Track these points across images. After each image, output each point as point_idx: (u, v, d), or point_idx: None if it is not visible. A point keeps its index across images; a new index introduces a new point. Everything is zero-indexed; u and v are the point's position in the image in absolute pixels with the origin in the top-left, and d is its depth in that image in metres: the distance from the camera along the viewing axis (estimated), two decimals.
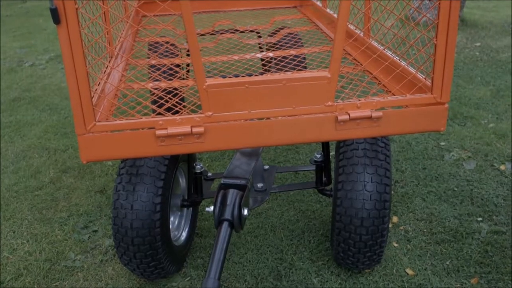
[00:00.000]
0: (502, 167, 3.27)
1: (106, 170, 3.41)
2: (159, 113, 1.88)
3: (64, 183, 3.30)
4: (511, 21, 6.64)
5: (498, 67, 5.04)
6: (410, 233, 2.70)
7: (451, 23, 1.79)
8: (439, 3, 1.76)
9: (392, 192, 3.03)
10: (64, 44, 1.65)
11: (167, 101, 1.99)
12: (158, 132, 1.79)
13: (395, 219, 2.80)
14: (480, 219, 2.78)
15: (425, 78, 2.02)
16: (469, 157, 3.40)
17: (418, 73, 2.07)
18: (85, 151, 1.82)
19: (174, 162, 2.23)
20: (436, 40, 1.82)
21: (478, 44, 5.82)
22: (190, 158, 2.48)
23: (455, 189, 3.06)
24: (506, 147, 3.51)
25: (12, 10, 8.86)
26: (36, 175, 3.42)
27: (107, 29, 2.25)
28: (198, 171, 2.42)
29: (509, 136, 3.65)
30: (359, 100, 1.90)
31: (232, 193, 2.08)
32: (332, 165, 2.90)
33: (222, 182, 2.17)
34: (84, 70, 1.69)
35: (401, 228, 2.74)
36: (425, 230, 2.71)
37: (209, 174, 2.69)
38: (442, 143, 3.59)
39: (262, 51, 3.34)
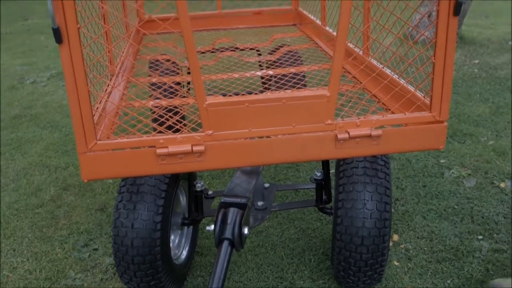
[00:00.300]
0: (502, 185, 3.27)
1: (107, 188, 3.41)
2: (160, 131, 1.89)
3: (65, 201, 3.30)
4: (511, 38, 6.68)
5: (497, 84, 5.06)
6: (411, 251, 2.69)
7: (449, 41, 1.81)
8: (437, 22, 1.78)
9: (393, 210, 3.02)
10: (66, 63, 1.67)
11: (168, 119, 2.00)
12: (159, 150, 1.80)
13: (395, 237, 2.80)
14: (480, 237, 2.77)
15: (424, 97, 2.04)
16: (469, 174, 3.41)
17: (417, 91, 2.09)
18: (86, 169, 1.83)
19: (175, 180, 2.24)
20: (434, 59, 1.84)
21: (476, 61, 5.85)
22: (190, 176, 2.48)
23: (456, 207, 3.05)
24: (506, 164, 3.51)
25: (14, 28, 8.92)
26: (37, 193, 3.42)
27: (108, 48, 2.27)
28: (199, 189, 2.42)
29: (508, 153, 3.66)
30: (359, 119, 1.92)
31: (232, 212, 2.08)
32: (332, 183, 2.90)
33: (222, 200, 2.18)
34: (86, 89, 1.71)
35: (402, 246, 2.73)
36: (425, 249, 2.70)
37: (210, 192, 2.69)
38: (442, 161, 3.59)
39: (262, 69, 3.37)
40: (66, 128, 4.45)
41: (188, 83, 3.17)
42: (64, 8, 1.58)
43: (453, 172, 3.43)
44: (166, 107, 2.36)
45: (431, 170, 3.48)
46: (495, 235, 2.79)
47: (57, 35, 1.61)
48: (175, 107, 2.50)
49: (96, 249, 2.81)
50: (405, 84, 2.16)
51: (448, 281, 2.47)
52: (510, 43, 6.52)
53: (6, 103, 5.17)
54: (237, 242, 2.05)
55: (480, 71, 5.48)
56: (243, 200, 2.16)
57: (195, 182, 2.44)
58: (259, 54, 3.54)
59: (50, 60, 6.72)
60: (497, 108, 4.47)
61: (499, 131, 4.03)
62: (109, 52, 2.45)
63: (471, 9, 7.12)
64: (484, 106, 4.52)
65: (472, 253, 2.65)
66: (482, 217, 2.94)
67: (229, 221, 2.05)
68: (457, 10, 1.76)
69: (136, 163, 1.83)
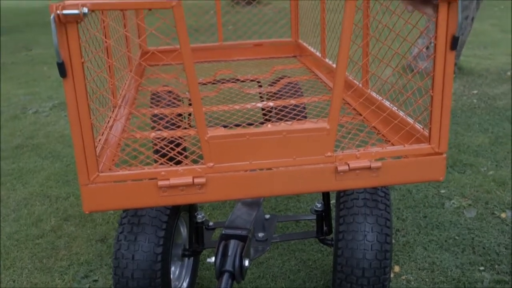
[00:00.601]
0: (503, 215, 3.27)
1: (107, 218, 3.41)
2: (162, 163, 1.90)
3: (65, 232, 3.30)
4: (511, 68, 6.75)
5: (496, 114, 5.10)
6: (412, 283, 2.68)
7: (447, 75, 1.84)
8: (434, 56, 1.82)
9: (393, 241, 3.02)
10: (70, 97, 1.69)
11: (169, 151, 2.02)
12: (161, 183, 1.81)
13: (396, 268, 2.79)
14: (482, 268, 2.77)
15: (423, 129, 2.06)
16: (470, 205, 3.41)
17: (416, 123, 2.11)
18: (88, 201, 1.84)
19: (176, 211, 2.25)
20: (432, 92, 1.86)
21: (475, 91, 5.90)
22: (191, 208, 2.49)
23: (457, 237, 3.05)
24: (506, 194, 3.52)
25: (18, 58, 9.01)
26: (37, 223, 3.42)
27: (111, 82, 2.30)
28: (200, 220, 2.43)
29: (509, 183, 3.66)
30: (358, 151, 1.93)
31: (233, 244, 2.09)
32: (333, 214, 2.90)
33: (223, 232, 2.18)
34: (89, 122, 1.73)
35: (403, 277, 2.72)
36: (427, 280, 2.69)
37: (211, 223, 2.70)
38: (442, 191, 3.60)
39: (263, 101, 3.40)
40: (67, 158, 4.47)
41: (190, 114, 3.20)
42: (69, 43, 1.61)
43: (453, 203, 3.43)
44: (167, 139, 2.39)
45: (431, 200, 3.49)
46: (496, 266, 2.78)
47: (62, 69, 1.64)
48: (177, 138, 2.52)
49: (96, 281, 2.79)
50: (404, 116, 2.19)
51: None
52: (508, 73, 6.58)
53: (8, 133, 5.20)
54: (238, 274, 2.05)
55: (479, 102, 5.52)
56: (244, 232, 2.16)
57: (196, 214, 2.45)
58: (260, 86, 3.58)
59: (53, 90, 6.78)
60: (496, 138, 4.50)
61: (499, 161, 4.04)
62: (111, 85, 2.49)
63: (469, 40, 7.21)
64: (484, 136, 4.55)
65: (473, 284, 2.64)
66: (484, 248, 2.94)
67: (229, 253, 2.06)
68: (454, 44, 1.79)
69: (138, 195, 1.84)
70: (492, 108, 5.30)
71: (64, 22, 1.56)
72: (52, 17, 1.52)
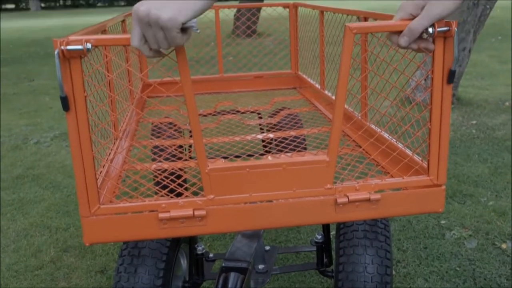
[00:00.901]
0: (504, 246, 3.26)
1: (107, 250, 3.40)
2: (162, 195, 1.91)
3: (65, 263, 3.28)
4: (510, 98, 6.80)
5: (495, 145, 5.12)
6: None
7: (444, 108, 1.86)
8: (431, 90, 1.84)
9: (394, 272, 3.01)
10: (72, 130, 1.71)
11: (169, 183, 2.04)
12: (161, 215, 1.82)
13: None
14: None
15: (421, 160, 2.07)
16: (470, 235, 3.40)
17: (415, 155, 2.13)
18: (89, 233, 1.84)
19: (176, 243, 2.25)
20: (430, 125, 1.89)
21: (474, 122, 5.94)
22: (191, 240, 2.49)
23: (457, 268, 3.04)
24: (506, 225, 3.52)
25: (20, 88, 9.09)
26: (37, 254, 3.41)
27: (113, 115, 2.33)
28: (200, 252, 2.43)
29: (509, 214, 3.67)
30: (358, 183, 1.95)
31: (233, 277, 2.08)
32: (333, 245, 2.90)
33: (223, 265, 2.18)
34: (91, 155, 1.75)
35: None
36: None
37: (211, 255, 2.69)
38: (443, 222, 3.60)
39: (263, 132, 3.43)
40: (68, 189, 4.48)
41: (190, 146, 3.22)
42: (72, 78, 1.64)
43: (454, 233, 3.43)
44: (168, 170, 2.40)
45: (432, 231, 3.48)
46: None
47: (65, 103, 1.66)
48: (177, 170, 2.54)
49: None
50: (403, 148, 2.21)
51: None
52: (507, 103, 6.63)
53: (9, 163, 5.22)
54: None
55: (478, 132, 5.56)
56: (244, 265, 2.16)
57: (196, 246, 2.45)
58: (260, 117, 3.61)
59: (54, 120, 6.83)
60: (496, 169, 4.51)
61: (499, 192, 4.05)
62: (113, 118, 2.52)
63: (467, 71, 7.29)
64: (483, 167, 4.56)
65: None
66: (485, 279, 2.92)
67: (230, 286, 2.05)
68: (451, 78, 1.82)
69: (138, 227, 1.84)
70: (491, 138, 5.33)
71: (68, 57, 1.59)
72: (56, 52, 1.55)
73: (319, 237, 2.51)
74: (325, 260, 2.55)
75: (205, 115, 3.53)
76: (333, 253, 2.57)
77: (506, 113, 6.24)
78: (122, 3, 42.68)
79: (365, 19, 2.46)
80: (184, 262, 2.53)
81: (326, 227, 2.53)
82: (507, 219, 3.59)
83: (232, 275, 2.10)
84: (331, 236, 2.58)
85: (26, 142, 5.96)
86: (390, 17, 2.14)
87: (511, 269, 3.01)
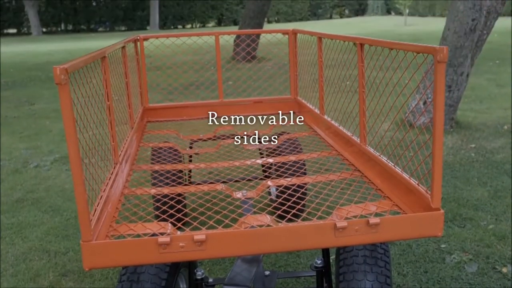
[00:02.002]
0: (504, 270, 3.25)
1: (106, 274, 3.39)
2: (162, 219, 1.92)
3: (64, 287, 3.27)
4: (510, 121, 6.83)
5: (494, 168, 5.13)
6: None
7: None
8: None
9: None
10: (73, 157, 1.73)
11: (169, 207, 2.04)
12: (161, 240, 1.82)
13: None
14: None
15: (418, 184, 2.09)
16: (470, 259, 3.39)
17: (412, 179, 2.14)
18: (88, 258, 1.84)
19: (175, 268, 2.24)
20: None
21: (473, 145, 5.96)
22: (191, 264, 2.48)
23: None
24: (506, 248, 3.51)
25: (20, 112, 9.13)
26: (36, 279, 3.39)
27: (113, 144, 2.35)
28: (199, 277, 2.42)
29: (509, 237, 3.66)
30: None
31: None
32: (333, 269, 2.89)
33: None
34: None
35: None
36: None
37: (210, 280, 2.68)
38: (443, 245, 3.59)
39: (263, 156, 3.44)
40: (67, 213, 4.48)
41: (190, 170, 3.24)
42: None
43: (454, 257, 3.42)
44: (168, 195, 2.41)
45: (432, 255, 3.47)
46: None
47: None
48: (177, 194, 2.55)
49: None
50: (400, 172, 2.22)
51: None
52: (505, 127, 6.66)
53: (9, 187, 5.22)
54: None
55: (477, 155, 5.57)
56: None
57: (195, 270, 2.44)
58: (260, 142, 3.63)
59: (54, 144, 6.85)
60: (495, 192, 4.51)
61: (499, 215, 4.05)
62: (113, 141, 2.54)
63: (465, 95, 7.34)
64: (483, 190, 4.56)
65: None
66: None
67: None
68: None
69: (138, 252, 1.85)
70: (490, 161, 5.34)
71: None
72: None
73: (319, 261, 2.50)
74: (325, 285, 2.54)
75: (205, 140, 3.55)
76: (333, 277, 2.56)
77: (505, 136, 6.26)
78: (123, 28, 43.07)
79: (361, 46, 2.50)
80: (183, 287, 2.52)
81: (326, 252, 2.53)
82: (507, 243, 3.58)
83: None
84: (331, 260, 2.58)
85: (26, 165, 5.97)
86: (386, 44, 2.17)
87: None
